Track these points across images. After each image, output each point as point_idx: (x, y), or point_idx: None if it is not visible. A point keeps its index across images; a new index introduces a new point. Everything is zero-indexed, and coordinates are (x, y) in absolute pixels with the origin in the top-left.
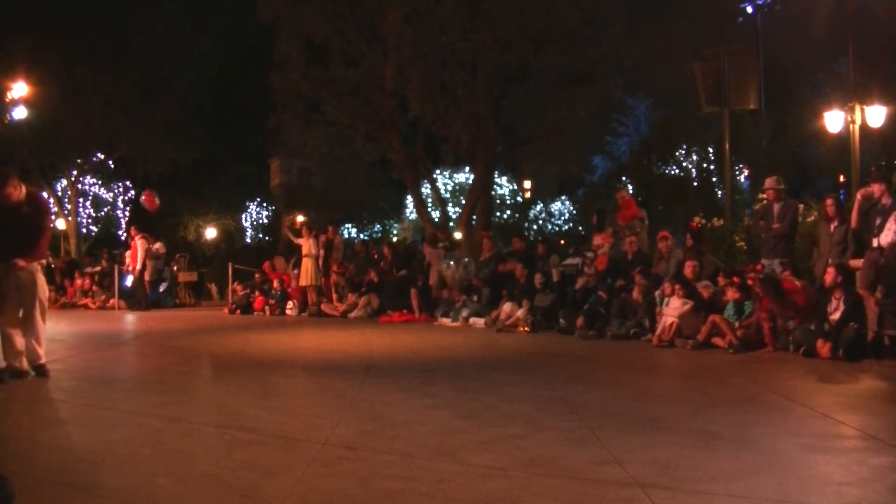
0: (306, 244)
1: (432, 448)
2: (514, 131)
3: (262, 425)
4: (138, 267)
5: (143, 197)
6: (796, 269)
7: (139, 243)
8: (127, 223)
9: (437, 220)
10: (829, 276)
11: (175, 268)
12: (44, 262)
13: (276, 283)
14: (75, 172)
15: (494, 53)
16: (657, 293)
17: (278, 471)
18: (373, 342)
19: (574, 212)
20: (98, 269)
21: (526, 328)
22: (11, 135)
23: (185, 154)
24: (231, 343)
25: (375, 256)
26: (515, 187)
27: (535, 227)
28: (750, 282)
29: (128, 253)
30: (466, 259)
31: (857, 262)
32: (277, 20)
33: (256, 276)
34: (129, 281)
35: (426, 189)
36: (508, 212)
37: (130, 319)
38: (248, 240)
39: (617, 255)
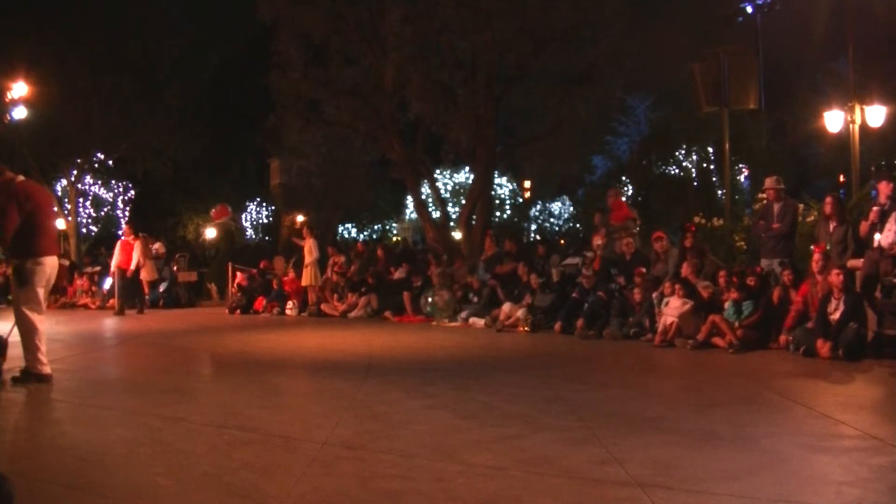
0: (307, 244)
1: (432, 448)
2: (514, 131)
3: (262, 425)
4: (132, 267)
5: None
6: (796, 268)
7: (138, 243)
8: (126, 223)
9: (436, 219)
10: (836, 278)
11: (175, 268)
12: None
13: (274, 283)
14: (75, 172)
15: (494, 53)
16: (655, 294)
17: (278, 471)
18: (373, 342)
19: (574, 212)
20: (98, 268)
21: (526, 328)
22: (11, 135)
23: (184, 153)
24: (231, 343)
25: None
26: (515, 187)
27: (534, 226)
28: (750, 281)
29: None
30: (455, 286)
31: (856, 262)
32: (277, 20)
33: (253, 272)
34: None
35: (426, 189)
36: (508, 212)
37: (130, 320)
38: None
39: (611, 255)
